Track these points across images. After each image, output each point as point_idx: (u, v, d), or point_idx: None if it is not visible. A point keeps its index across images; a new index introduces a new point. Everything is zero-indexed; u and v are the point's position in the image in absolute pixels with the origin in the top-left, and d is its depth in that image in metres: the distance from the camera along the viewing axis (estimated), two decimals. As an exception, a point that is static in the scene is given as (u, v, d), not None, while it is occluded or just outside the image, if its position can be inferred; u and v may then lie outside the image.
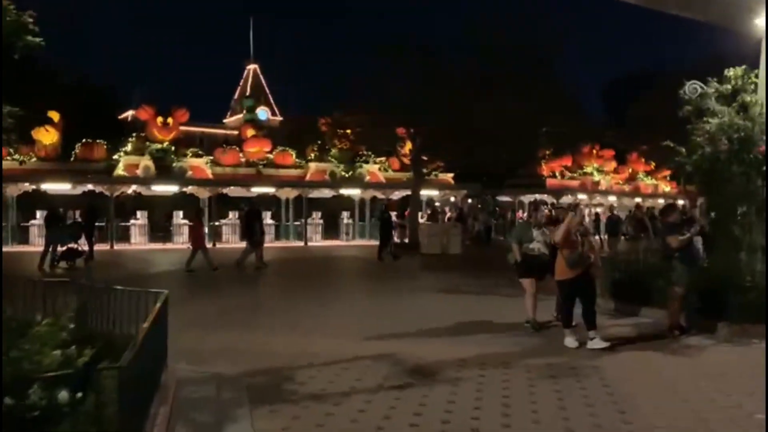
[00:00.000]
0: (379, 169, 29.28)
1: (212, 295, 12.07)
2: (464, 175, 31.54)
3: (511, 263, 8.79)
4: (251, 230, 16.83)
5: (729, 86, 9.98)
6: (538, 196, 34.86)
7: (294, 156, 27.89)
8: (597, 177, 37.21)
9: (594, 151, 37.51)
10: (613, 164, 38.86)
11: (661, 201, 40.81)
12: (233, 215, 27.53)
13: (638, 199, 38.98)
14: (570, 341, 7.50)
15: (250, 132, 28.45)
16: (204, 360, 6.74)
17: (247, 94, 56.69)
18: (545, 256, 8.36)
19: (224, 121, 66.91)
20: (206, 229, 17.14)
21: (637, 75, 48.29)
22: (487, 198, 34.04)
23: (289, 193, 28.20)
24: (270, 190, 27.46)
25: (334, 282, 14.37)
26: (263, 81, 73.66)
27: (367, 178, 28.45)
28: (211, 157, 26.71)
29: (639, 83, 43.14)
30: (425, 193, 29.28)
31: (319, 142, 28.45)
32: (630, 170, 40.54)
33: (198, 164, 26.03)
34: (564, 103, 22.33)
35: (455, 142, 21.81)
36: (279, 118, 67.20)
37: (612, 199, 36.86)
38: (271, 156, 27.68)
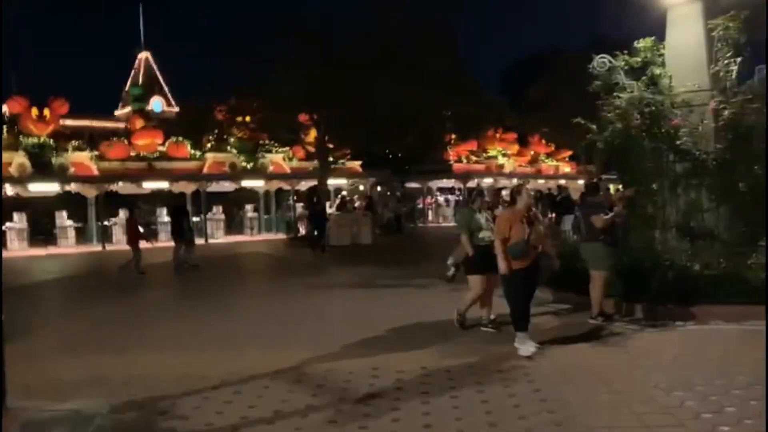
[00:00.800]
0: (284, 158, 27.97)
1: (95, 306, 10.60)
2: (372, 163, 30.81)
3: (452, 263, 8.27)
4: (179, 228, 15.68)
5: (638, 59, 9.68)
6: (445, 182, 34.87)
7: (189, 147, 26.05)
8: (501, 160, 37.64)
9: (497, 135, 37.90)
10: (516, 147, 39.48)
11: (562, 182, 42.04)
12: (124, 214, 25.43)
13: (541, 181, 39.96)
14: (527, 348, 6.27)
15: (139, 123, 26.32)
16: (63, 392, 5.50)
17: (139, 83, 53.30)
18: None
19: (116, 113, 62.70)
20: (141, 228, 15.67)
21: (534, 57, 49.26)
22: (395, 185, 33.50)
23: (185, 188, 26.34)
24: (164, 185, 25.52)
25: (236, 283, 13.12)
26: (156, 70, 69.60)
27: (271, 168, 27.09)
28: (97, 152, 24.41)
29: (536, 65, 43.92)
30: (333, 182, 28.31)
31: (217, 131, 26.73)
32: (532, 152, 41.38)
33: (81, 159, 23.70)
34: (467, 84, 21.94)
35: (358, 127, 20.95)
36: (175, 108, 63.69)
37: (516, 181, 37.47)
38: (163, 148, 25.72)
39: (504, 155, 37.96)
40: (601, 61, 10.09)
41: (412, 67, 20.13)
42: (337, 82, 19.80)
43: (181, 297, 12.05)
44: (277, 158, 27.53)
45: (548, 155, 42.58)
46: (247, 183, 26.91)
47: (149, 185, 25.28)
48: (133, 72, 70.45)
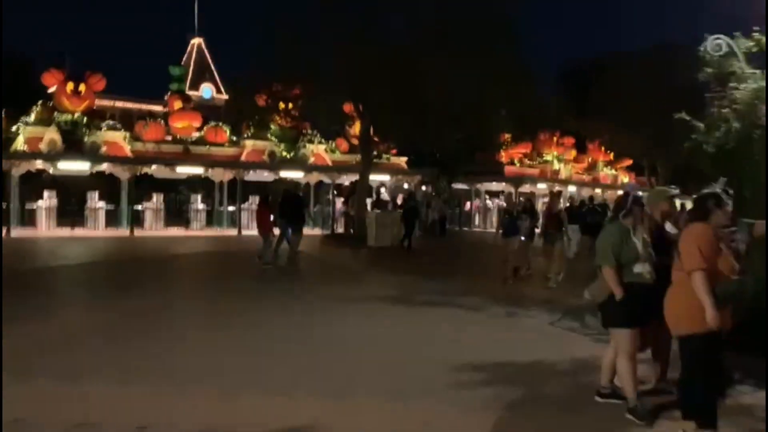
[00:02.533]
0: (326, 150, 26.39)
1: (79, 307, 9.14)
2: (418, 160, 28.99)
3: (593, 299, 4.98)
4: (298, 217, 14.69)
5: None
6: (495, 184, 32.73)
7: (228, 133, 24.72)
8: (557, 165, 35.31)
9: (554, 138, 35.58)
10: (573, 152, 37.07)
11: (620, 193, 39.33)
12: (157, 198, 24.33)
13: (598, 190, 37.41)
14: None
15: (177, 104, 25.07)
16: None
17: (191, 69, 52.72)
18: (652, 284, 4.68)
19: (165, 98, 62.47)
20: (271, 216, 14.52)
21: (596, 59, 46.52)
22: (442, 185, 31.57)
23: (222, 175, 25.04)
24: (199, 170, 24.26)
25: (257, 289, 11.46)
26: (208, 56, 69.23)
27: (312, 159, 25.55)
28: (131, 133, 23.28)
29: (597, 68, 41.25)
30: (376, 178, 26.58)
31: (257, 117, 25.30)
32: (590, 159, 38.88)
33: (114, 139, 22.58)
34: (526, 79, 19.85)
35: (407, 117, 19.12)
36: (225, 96, 63.12)
37: (572, 189, 35.09)
38: (201, 132, 24.47)
39: (560, 160, 35.64)
40: (715, 43, 8.04)
41: (468, 55, 18.22)
42: (387, 66, 18.06)
43: (194, 298, 10.48)
44: (318, 149, 25.97)
45: (607, 163, 40.02)
46: (285, 173, 25.43)
47: (184, 170, 24.04)
48: (185, 57, 70.47)
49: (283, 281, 12.28)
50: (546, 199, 32.99)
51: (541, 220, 13.22)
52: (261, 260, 13.54)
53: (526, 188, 32.29)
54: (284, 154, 25.20)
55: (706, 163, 8.36)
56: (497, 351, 6.78)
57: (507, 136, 31.64)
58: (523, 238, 12.36)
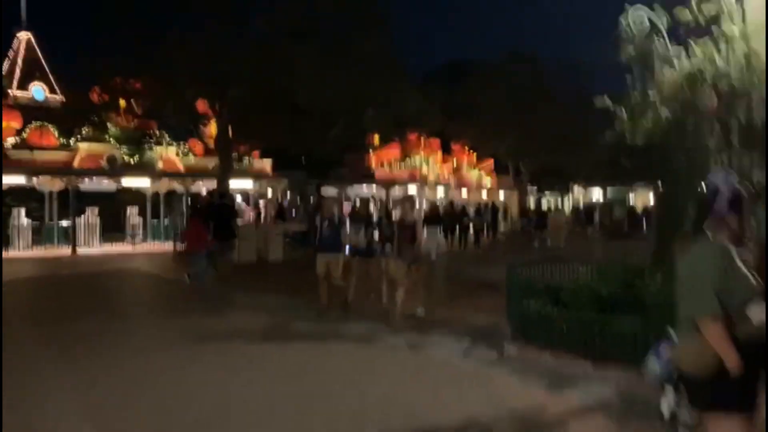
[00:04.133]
0: (177, 153, 23.49)
1: None
2: (284, 164, 26.83)
3: (681, 367, 2.95)
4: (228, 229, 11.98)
5: (702, 14, 6.54)
6: (365, 188, 31.39)
7: (57, 134, 21.07)
8: (425, 168, 34.73)
9: (421, 140, 34.98)
10: (440, 154, 36.77)
11: (484, 194, 39.77)
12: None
13: (463, 190, 37.39)
14: None
15: (-9, 102, 21.02)
16: None
17: (19, 68, 46.23)
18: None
19: (-13, 98, 54.50)
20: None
21: (454, 64, 46.99)
22: (309, 189, 29.65)
23: (51, 184, 21.30)
24: (20, 179, 20.40)
25: (78, 331, 8.80)
26: (39, 53, 61.67)
27: (160, 165, 22.52)
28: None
29: (456, 72, 41.53)
30: (238, 184, 24.07)
31: (94, 117, 21.85)
32: (455, 161, 38.83)
33: None
34: (398, 74, 18.51)
35: (271, 116, 16.94)
36: (59, 97, 56.44)
37: (441, 191, 34.68)
38: (23, 134, 20.63)
39: (427, 162, 35.10)
40: (637, 16, 6.94)
41: (339, 49, 16.49)
42: (248, 59, 15.83)
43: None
44: (169, 152, 23.01)
45: (471, 164, 40.23)
46: (129, 181, 22.19)
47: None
48: (10, 53, 62.19)
49: (117, 319, 9.69)
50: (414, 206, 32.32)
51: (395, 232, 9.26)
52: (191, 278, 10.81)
53: (396, 191, 31.34)
54: (127, 158, 21.98)
55: (629, 155, 7.24)
56: (414, 408, 5.04)
57: (376, 137, 30.42)
58: (347, 253, 9.37)
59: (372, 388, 5.69)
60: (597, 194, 56.74)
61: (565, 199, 51.63)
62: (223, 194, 14.80)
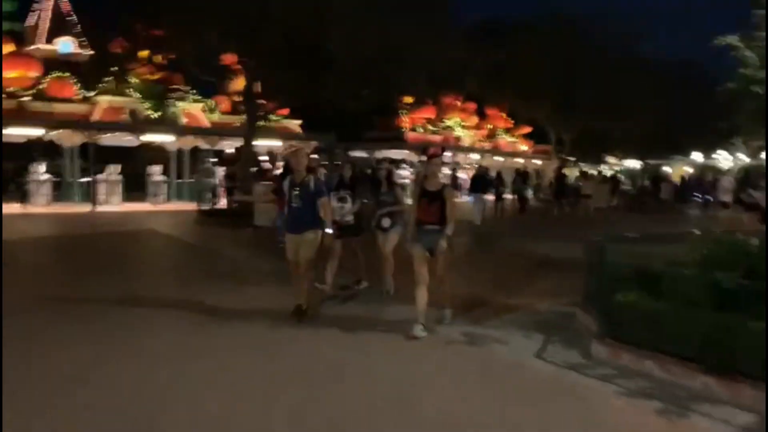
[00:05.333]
0: (203, 109, 22.31)
1: None
2: (314, 124, 25.48)
3: None
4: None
5: None
6: (395, 152, 29.91)
7: (77, 86, 19.99)
8: (459, 132, 33.15)
9: (457, 103, 33.32)
10: (475, 119, 35.08)
11: (520, 161, 37.96)
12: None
13: (499, 158, 35.73)
14: None
15: (8, 48, 19.92)
16: None
17: (46, 21, 45.19)
18: None
19: None
20: None
21: (491, 21, 44.62)
22: (338, 152, 28.31)
23: (71, 138, 20.30)
24: (39, 132, 19.42)
25: (70, 310, 7.69)
26: (69, 4, 60.54)
27: (185, 121, 21.37)
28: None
29: (493, 31, 39.44)
30: (265, 143, 22.84)
31: (116, 68, 20.67)
32: (490, 126, 37.06)
33: None
34: (440, 23, 16.84)
35: (300, 69, 15.49)
36: (89, 52, 55.43)
37: (475, 157, 33.11)
38: (42, 84, 19.59)
39: (462, 127, 33.48)
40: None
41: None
42: (277, 3, 14.40)
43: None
44: (193, 109, 21.84)
45: (507, 130, 38.43)
46: (152, 137, 21.10)
47: (17, 131, 19.10)
48: (37, 6, 61.23)
49: (119, 289, 8.57)
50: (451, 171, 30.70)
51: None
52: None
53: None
54: (149, 113, 20.86)
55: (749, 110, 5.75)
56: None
57: (409, 99, 28.86)
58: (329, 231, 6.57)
59: (425, 402, 4.44)
60: (633, 165, 54.70)
61: (601, 169, 49.56)
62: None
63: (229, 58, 19.99)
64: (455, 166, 30.47)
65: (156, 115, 20.89)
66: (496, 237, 15.19)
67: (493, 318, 6.78)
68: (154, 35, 18.19)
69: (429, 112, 30.65)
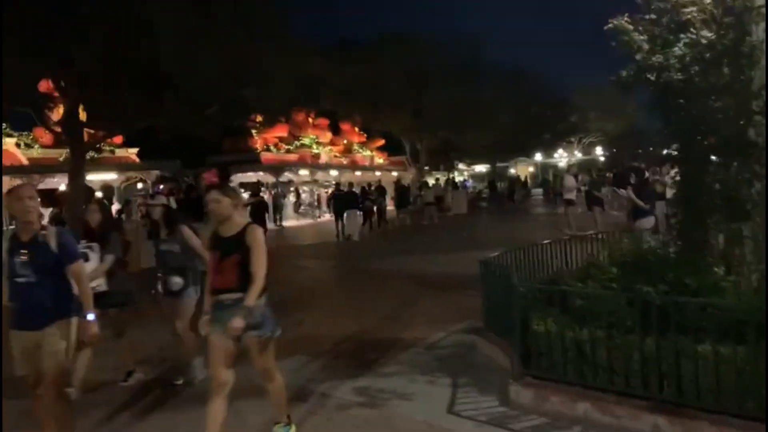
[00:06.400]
0: (18, 145, 19.32)
1: None
2: (153, 152, 23.14)
3: None
4: None
5: None
6: (251, 175, 28.19)
7: None
8: (316, 149, 32.16)
9: (310, 120, 32.34)
10: (329, 135, 34.32)
11: (378, 174, 37.79)
12: None
13: (358, 173, 35.30)
14: None
15: None
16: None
17: None
18: None
19: None
20: None
21: (344, 41, 44.56)
22: (187, 180, 26.08)
23: None
24: None
25: None
26: None
27: (-4, 159, 18.30)
28: None
29: (345, 50, 39.29)
30: (98, 177, 20.23)
31: None
32: (345, 141, 36.53)
33: None
34: (284, 34, 15.69)
35: (130, 89, 13.53)
36: None
37: (334, 173, 32.28)
38: None
39: (318, 144, 32.53)
40: None
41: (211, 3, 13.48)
42: (98, 18, 12.41)
43: None
44: (7, 144, 18.83)
45: (361, 144, 38.12)
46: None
47: None
48: None
49: None
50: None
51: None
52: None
53: (286, 176, 28.55)
54: (-50, 153, 17.60)
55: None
56: None
57: (259, 118, 27.34)
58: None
59: None
60: (481, 170, 57.31)
61: (452, 175, 51.13)
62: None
63: (44, 85, 17.37)
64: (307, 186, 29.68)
65: (-43, 154, 17.67)
66: (366, 256, 14.31)
67: (388, 362, 5.72)
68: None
69: (281, 130, 29.31)
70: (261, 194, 19.28)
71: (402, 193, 25.32)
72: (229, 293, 3.74)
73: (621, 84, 5.09)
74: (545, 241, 7.53)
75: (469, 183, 50.12)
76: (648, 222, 9.48)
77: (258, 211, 16.05)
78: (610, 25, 4.89)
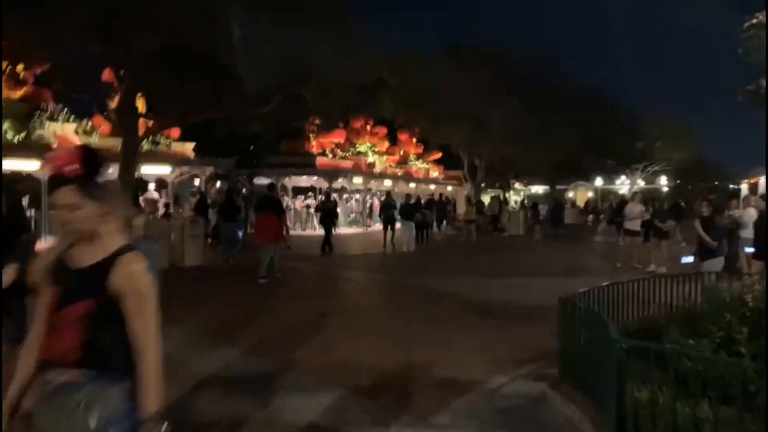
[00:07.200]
0: (77, 131, 19.29)
1: None
2: (210, 149, 22.94)
3: None
4: None
5: None
6: (305, 179, 27.76)
7: None
8: (371, 158, 31.53)
9: (368, 127, 31.77)
10: (386, 144, 33.65)
11: (432, 187, 36.95)
12: None
13: (412, 185, 34.54)
14: None
15: None
16: None
17: None
18: None
19: None
20: None
21: (406, 50, 43.99)
22: (241, 179, 25.85)
23: None
24: None
25: None
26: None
27: (55, 144, 18.28)
28: None
29: (411, 57, 38.65)
30: (152, 170, 20.08)
31: (-33, 83, 17.36)
32: (401, 152, 35.82)
33: None
34: (353, 32, 15.07)
35: (190, 80, 13.15)
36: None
37: (388, 183, 31.54)
38: None
39: (374, 152, 31.90)
40: None
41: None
42: (158, 6, 12.07)
43: None
44: (65, 130, 18.79)
45: (418, 156, 37.34)
46: (14, 163, 17.85)
47: None
48: None
49: None
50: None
51: None
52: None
53: (339, 182, 27.99)
54: (11, 136, 17.67)
55: None
56: None
57: (317, 121, 26.90)
58: None
59: None
60: (538, 191, 55.63)
61: (508, 194, 49.69)
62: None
63: (106, 74, 17.32)
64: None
65: (19, 137, 17.73)
66: (419, 271, 13.45)
67: (440, 409, 4.84)
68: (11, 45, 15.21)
69: (339, 136, 28.82)
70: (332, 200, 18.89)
71: (443, 209, 25.33)
72: (63, 368, 2.00)
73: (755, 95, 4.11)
74: (631, 279, 6.51)
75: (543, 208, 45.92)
76: (717, 263, 8.29)
77: (328, 217, 15.76)
78: (753, 21, 3.95)
